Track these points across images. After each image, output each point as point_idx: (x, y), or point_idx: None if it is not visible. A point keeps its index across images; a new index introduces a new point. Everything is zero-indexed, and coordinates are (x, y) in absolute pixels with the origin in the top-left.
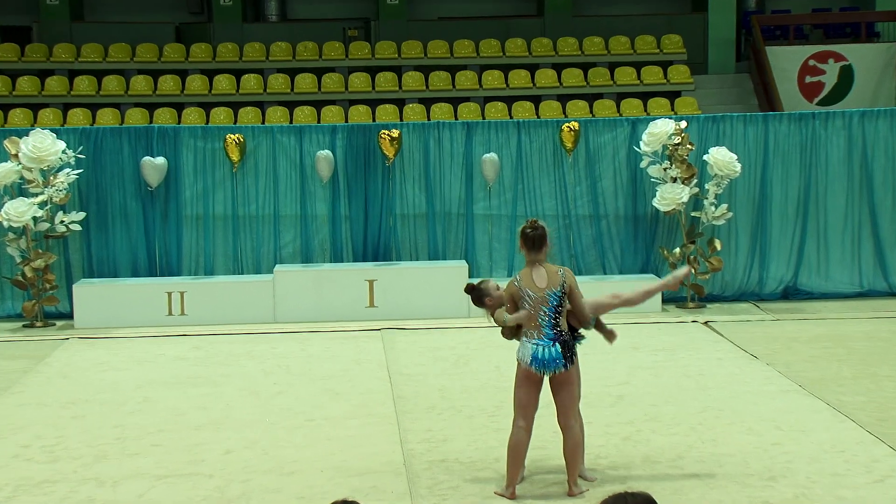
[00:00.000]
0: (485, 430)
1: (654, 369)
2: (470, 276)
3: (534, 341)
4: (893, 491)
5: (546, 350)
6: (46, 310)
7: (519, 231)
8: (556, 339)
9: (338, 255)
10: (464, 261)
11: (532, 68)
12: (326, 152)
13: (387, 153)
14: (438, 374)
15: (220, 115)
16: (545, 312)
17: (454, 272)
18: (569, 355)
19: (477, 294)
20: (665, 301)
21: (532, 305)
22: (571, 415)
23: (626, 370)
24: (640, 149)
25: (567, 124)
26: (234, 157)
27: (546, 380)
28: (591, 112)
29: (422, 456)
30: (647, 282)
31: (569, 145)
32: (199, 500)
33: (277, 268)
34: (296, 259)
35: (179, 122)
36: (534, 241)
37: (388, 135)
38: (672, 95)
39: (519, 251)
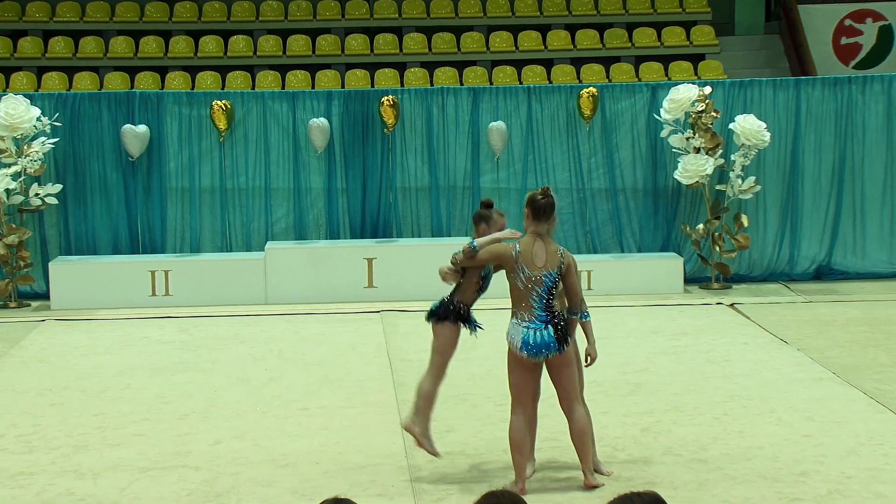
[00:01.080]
0: (491, 419)
1: (675, 355)
2: None
3: (524, 324)
4: None
5: (538, 333)
6: (21, 289)
7: (527, 197)
8: (547, 322)
9: (334, 231)
10: (470, 237)
11: (544, 29)
12: (321, 120)
13: (386, 121)
14: None
15: (207, 80)
16: (538, 293)
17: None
18: (562, 337)
19: (485, 215)
20: (688, 282)
21: (523, 283)
22: (574, 398)
23: (646, 356)
24: (660, 117)
25: (586, 90)
26: (222, 125)
27: (544, 365)
28: (608, 77)
29: None
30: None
31: (587, 112)
32: (185, 494)
33: (269, 245)
34: (289, 235)
35: (163, 88)
36: (543, 209)
37: (388, 101)
38: (695, 59)
39: (524, 220)
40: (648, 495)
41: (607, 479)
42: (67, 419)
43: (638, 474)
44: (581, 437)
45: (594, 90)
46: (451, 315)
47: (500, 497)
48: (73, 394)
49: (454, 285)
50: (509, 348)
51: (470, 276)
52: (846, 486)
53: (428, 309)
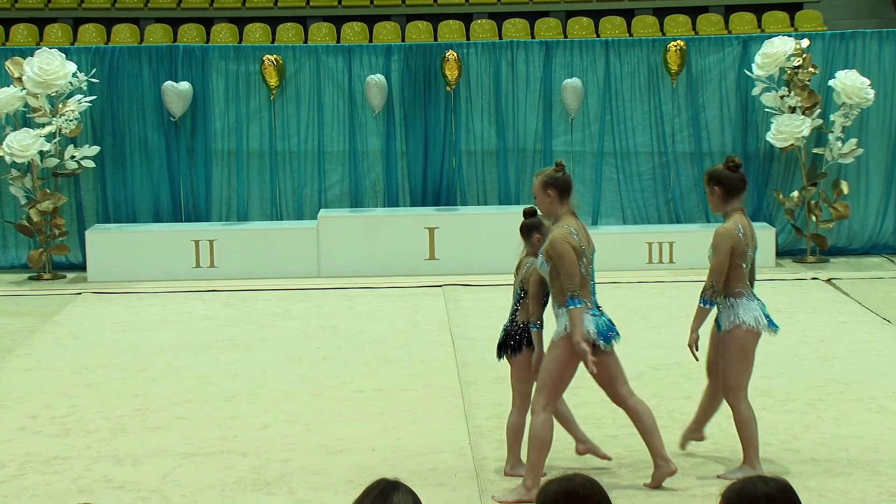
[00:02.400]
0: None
1: (765, 335)
2: None
3: (592, 311)
4: None
5: (601, 320)
6: (55, 259)
7: (544, 178)
8: (600, 307)
9: (392, 198)
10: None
11: None
12: (379, 77)
13: (449, 77)
14: None
15: (256, 33)
16: (592, 276)
17: None
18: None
19: (534, 223)
20: (780, 254)
21: (585, 268)
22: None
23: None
24: (752, 73)
25: (674, 43)
26: (273, 81)
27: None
28: (694, 29)
29: (490, 434)
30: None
31: (674, 68)
32: (231, 481)
33: (322, 213)
34: (343, 203)
35: (208, 41)
36: (569, 184)
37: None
38: (792, 8)
39: (549, 203)
40: (776, 482)
41: (690, 467)
42: (105, 400)
43: (722, 463)
44: (651, 428)
45: (682, 43)
46: (524, 342)
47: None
48: (111, 373)
49: (513, 309)
50: (563, 340)
51: (535, 292)
52: None
53: (497, 344)
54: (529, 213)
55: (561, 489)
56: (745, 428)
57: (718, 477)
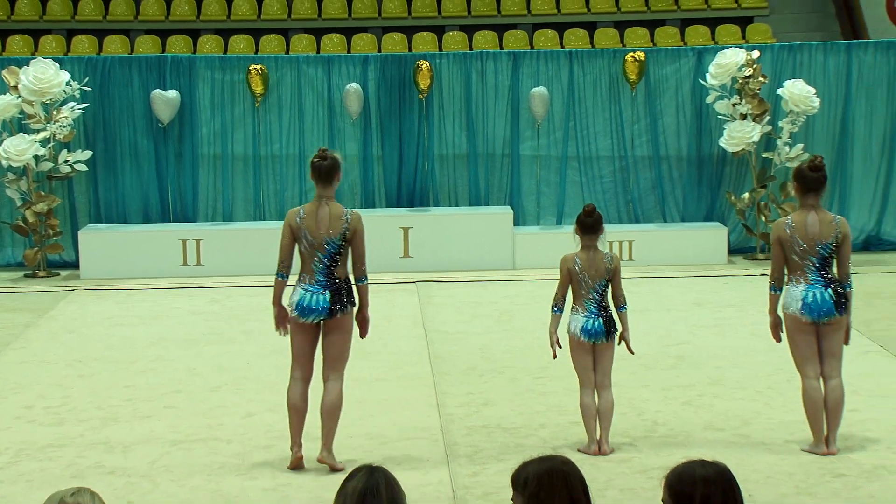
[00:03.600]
0: (530, 393)
1: (718, 328)
2: (515, 224)
3: (583, 314)
4: None
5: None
6: (50, 258)
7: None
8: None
9: (369, 199)
10: (508, 206)
11: None
12: (356, 85)
13: (421, 85)
14: (479, 333)
15: (240, 44)
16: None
17: (497, 219)
18: (611, 329)
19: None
20: (732, 252)
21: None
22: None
23: (688, 329)
24: (706, 82)
25: (631, 54)
26: (258, 89)
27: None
28: (653, 41)
29: (461, 421)
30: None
31: (633, 78)
32: (216, 466)
33: None
34: None
35: (195, 52)
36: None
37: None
38: (743, 22)
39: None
40: (714, 466)
41: (654, 455)
42: (97, 391)
43: (678, 449)
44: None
45: (640, 55)
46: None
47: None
48: (103, 365)
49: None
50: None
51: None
52: (892, 461)
53: (608, 329)
54: (588, 212)
55: (543, 468)
56: (805, 406)
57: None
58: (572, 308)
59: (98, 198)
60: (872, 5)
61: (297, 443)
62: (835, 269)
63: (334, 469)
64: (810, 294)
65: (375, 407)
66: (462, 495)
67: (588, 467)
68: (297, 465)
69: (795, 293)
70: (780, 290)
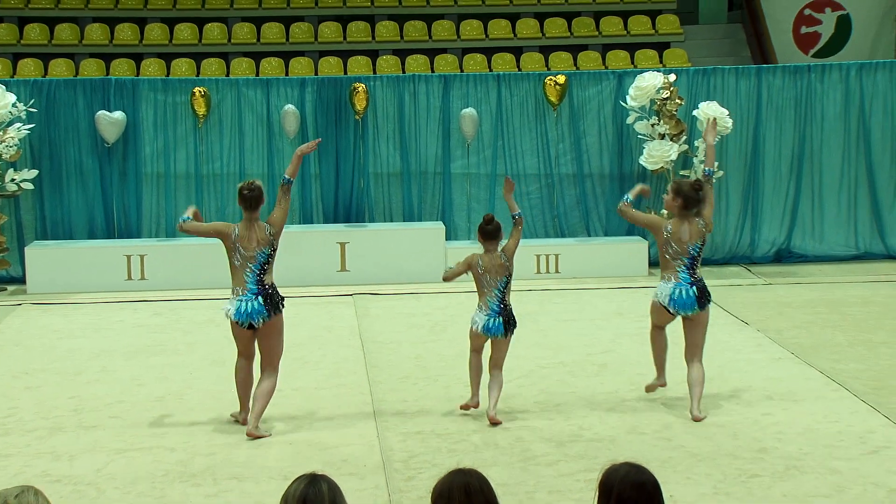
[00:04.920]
0: (462, 400)
1: (640, 336)
2: (447, 239)
3: (485, 313)
4: (889, 462)
5: (493, 320)
6: None
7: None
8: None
9: (307, 216)
10: (440, 222)
11: (513, 18)
12: (292, 107)
13: (358, 106)
14: (413, 342)
15: (182, 67)
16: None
17: (430, 234)
18: (509, 326)
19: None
20: (652, 265)
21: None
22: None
23: (611, 337)
24: (626, 104)
25: (551, 77)
26: (202, 111)
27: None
28: (576, 65)
29: (396, 428)
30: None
31: (553, 100)
32: (160, 474)
33: None
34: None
35: (138, 75)
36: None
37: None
38: (661, 47)
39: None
40: (637, 468)
41: (581, 459)
42: (43, 402)
43: (603, 453)
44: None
45: (561, 78)
46: None
47: (467, 474)
48: (49, 377)
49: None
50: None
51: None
52: (803, 462)
53: (506, 326)
54: (490, 221)
55: (444, 482)
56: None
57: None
58: (478, 306)
59: (44, 215)
60: (780, 32)
61: (244, 409)
62: (699, 270)
63: (260, 437)
64: (677, 291)
65: (314, 415)
66: (398, 499)
67: (517, 471)
68: (242, 422)
69: (665, 289)
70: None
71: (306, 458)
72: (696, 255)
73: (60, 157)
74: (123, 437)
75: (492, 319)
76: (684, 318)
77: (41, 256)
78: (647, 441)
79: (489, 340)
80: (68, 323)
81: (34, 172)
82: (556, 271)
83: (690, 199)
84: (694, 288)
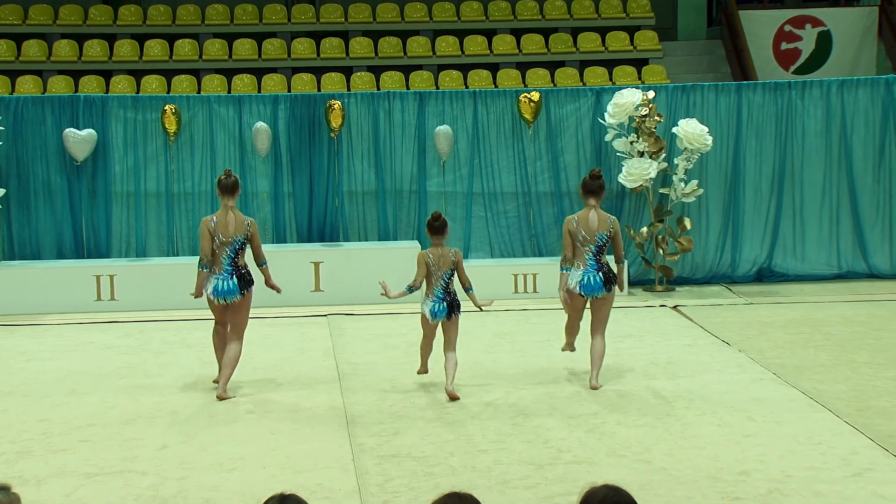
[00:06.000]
0: (438, 423)
1: (619, 357)
2: None
3: (431, 300)
4: (872, 485)
5: (438, 305)
6: None
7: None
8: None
9: (280, 235)
10: (416, 241)
11: (489, 34)
12: (263, 124)
13: (333, 124)
14: (389, 364)
15: (152, 84)
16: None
17: (406, 253)
18: (453, 309)
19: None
20: (632, 284)
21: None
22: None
23: (589, 358)
24: (604, 121)
25: (525, 94)
26: (172, 128)
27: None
28: (553, 81)
29: (371, 451)
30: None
31: (528, 117)
32: (131, 499)
33: None
34: None
35: (107, 92)
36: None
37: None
38: (639, 63)
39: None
40: (616, 490)
41: (559, 482)
42: (10, 425)
43: (582, 475)
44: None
45: (535, 94)
46: None
47: (462, 499)
48: (17, 399)
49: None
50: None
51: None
52: (786, 484)
53: (450, 309)
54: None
55: None
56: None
57: None
58: (425, 294)
59: (12, 234)
60: (760, 48)
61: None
62: (608, 256)
63: (225, 399)
64: (586, 277)
65: (288, 437)
66: None
67: (496, 495)
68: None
69: (576, 275)
70: (569, 269)
71: (280, 482)
72: (602, 244)
73: (28, 175)
74: (93, 461)
75: (437, 305)
76: (593, 300)
77: (8, 277)
78: (626, 463)
79: (440, 326)
80: (36, 345)
81: (1, 192)
82: (535, 291)
83: (587, 184)
84: (600, 274)
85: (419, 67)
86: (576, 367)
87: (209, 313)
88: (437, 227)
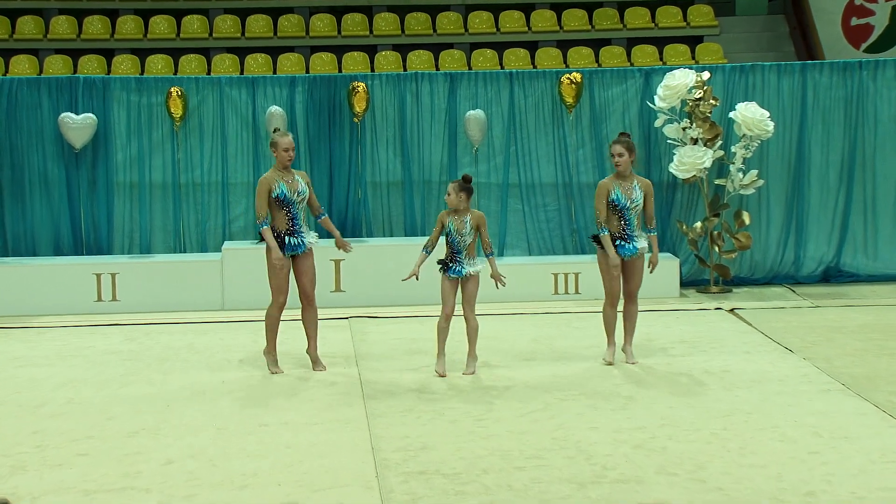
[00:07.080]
0: (471, 436)
1: (670, 365)
2: None
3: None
4: None
5: (458, 266)
6: None
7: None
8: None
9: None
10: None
11: (527, 9)
12: (278, 108)
13: (357, 108)
14: (416, 371)
15: (158, 64)
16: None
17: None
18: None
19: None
20: (684, 285)
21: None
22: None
23: (639, 366)
24: (654, 105)
25: (567, 75)
26: (178, 112)
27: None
28: (597, 61)
29: (397, 467)
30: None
31: (569, 100)
32: None
33: (226, 245)
34: (248, 235)
35: (109, 72)
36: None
37: (359, 88)
38: (693, 41)
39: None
40: None
41: (604, 503)
42: (3, 437)
43: (629, 496)
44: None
45: (577, 76)
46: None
47: None
48: (10, 409)
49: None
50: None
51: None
52: None
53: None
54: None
55: None
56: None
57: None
58: (446, 257)
59: (5, 229)
60: (828, 24)
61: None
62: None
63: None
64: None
65: (305, 452)
66: None
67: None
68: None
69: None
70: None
71: (296, 501)
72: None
73: (23, 164)
74: (92, 476)
75: (458, 266)
76: (626, 263)
77: (1, 275)
78: (678, 482)
79: (460, 292)
80: (31, 349)
81: None
82: (576, 291)
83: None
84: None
85: (450, 46)
86: (619, 378)
87: (217, 315)
88: (470, 190)
